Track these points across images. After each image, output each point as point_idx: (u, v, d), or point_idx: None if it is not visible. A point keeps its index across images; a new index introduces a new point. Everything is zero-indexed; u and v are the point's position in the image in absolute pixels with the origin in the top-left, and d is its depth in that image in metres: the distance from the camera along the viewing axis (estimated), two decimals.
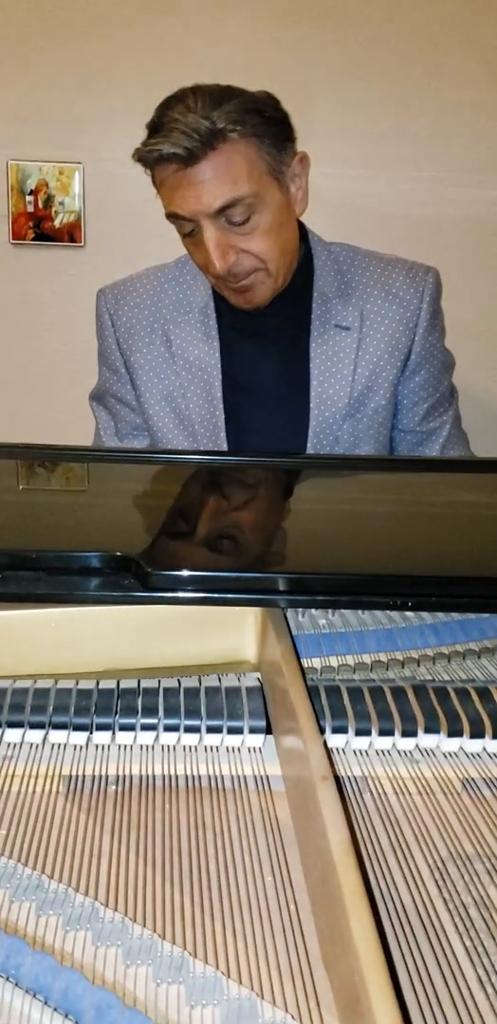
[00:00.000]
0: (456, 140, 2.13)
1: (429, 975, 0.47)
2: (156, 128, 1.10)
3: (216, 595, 0.64)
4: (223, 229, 1.13)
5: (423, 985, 0.46)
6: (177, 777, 0.62)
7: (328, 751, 0.62)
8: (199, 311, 1.29)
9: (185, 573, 0.65)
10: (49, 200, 1.99)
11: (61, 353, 2.13)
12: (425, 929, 0.50)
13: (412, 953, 0.49)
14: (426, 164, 2.13)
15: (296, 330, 1.28)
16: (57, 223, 2.01)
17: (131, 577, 0.63)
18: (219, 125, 1.07)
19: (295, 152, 1.18)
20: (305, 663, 0.74)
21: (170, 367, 1.30)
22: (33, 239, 1.99)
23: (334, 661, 0.75)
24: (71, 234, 2.03)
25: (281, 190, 1.17)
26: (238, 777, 0.62)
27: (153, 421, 1.32)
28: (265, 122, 1.12)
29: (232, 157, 1.09)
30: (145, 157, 1.13)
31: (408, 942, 0.50)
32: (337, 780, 0.61)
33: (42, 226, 1.98)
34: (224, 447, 1.29)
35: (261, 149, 1.12)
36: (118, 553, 0.64)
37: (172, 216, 1.15)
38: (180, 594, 0.64)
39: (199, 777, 0.62)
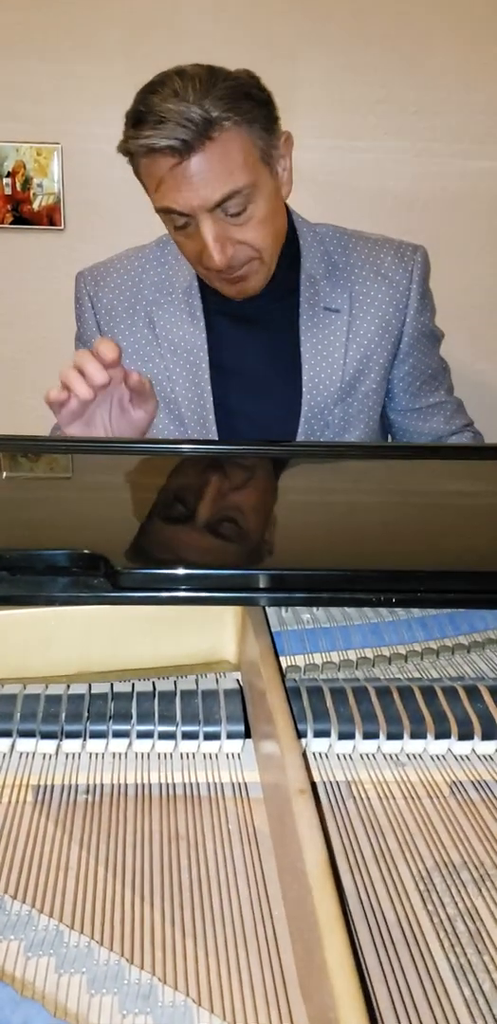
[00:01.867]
0: (442, 110, 2.08)
1: (412, 995, 0.45)
2: (142, 117, 1.05)
3: (189, 594, 0.61)
4: (220, 222, 1.09)
5: (405, 1007, 0.44)
6: (151, 785, 0.59)
7: (307, 760, 0.59)
8: (182, 292, 1.26)
9: (157, 571, 0.62)
10: (27, 182, 1.95)
11: (42, 339, 2.09)
12: (408, 945, 0.48)
13: (394, 972, 0.46)
14: (412, 135, 2.09)
15: (284, 313, 1.25)
16: (36, 206, 1.97)
17: (100, 576, 0.60)
18: (213, 114, 1.03)
19: (280, 133, 1.15)
20: (288, 661, 0.71)
21: (155, 350, 1.27)
22: (11, 223, 1.95)
23: (318, 658, 0.72)
24: (50, 217, 1.99)
25: (272, 175, 1.13)
26: (215, 784, 0.59)
27: None
28: (255, 106, 1.08)
29: (227, 147, 1.05)
30: (133, 149, 1.08)
31: (390, 960, 0.47)
32: (316, 791, 0.58)
33: (20, 209, 1.94)
34: (213, 431, 1.26)
35: (252, 135, 1.08)
36: (86, 551, 0.61)
37: (164, 211, 1.11)
38: (152, 594, 0.61)
39: (173, 785, 0.59)
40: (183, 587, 0.61)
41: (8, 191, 1.88)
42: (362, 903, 0.51)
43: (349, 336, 1.24)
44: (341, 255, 1.27)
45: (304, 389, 1.24)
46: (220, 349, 1.26)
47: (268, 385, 1.26)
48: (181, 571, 0.62)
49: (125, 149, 1.09)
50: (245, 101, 1.06)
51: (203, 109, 1.02)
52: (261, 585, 0.63)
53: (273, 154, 1.13)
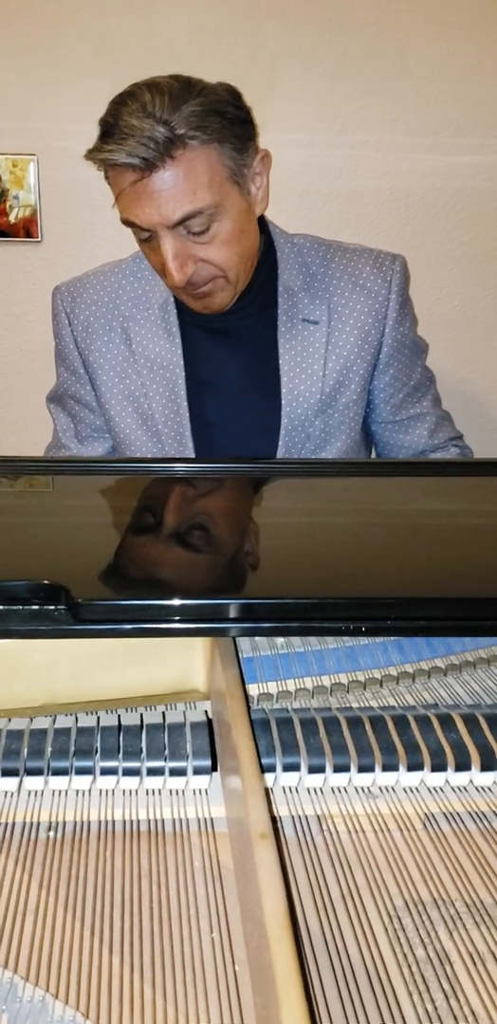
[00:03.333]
0: (425, 107, 2.06)
1: None
2: (109, 130, 1.04)
3: (153, 626, 0.60)
4: (181, 239, 1.08)
5: None
6: (114, 822, 0.58)
7: (272, 797, 0.58)
8: (159, 307, 1.25)
9: (121, 602, 0.61)
10: (3, 194, 1.92)
11: (19, 353, 2.07)
12: (374, 992, 0.47)
13: (358, 1020, 0.45)
14: (391, 135, 2.07)
15: (262, 325, 1.24)
16: (12, 218, 1.94)
17: (61, 607, 0.58)
18: (178, 131, 1.01)
19: (256, 150, 1.13)
20: (260, 688, 0.70)
21: (131, 366, 1.26)
22: None
23: (291, 684, 0.71)
24: (27, 229, 1.96)
25: (242, 194, 1.12)
26: (180, 820, 0.58)
27: (115, 423, 1.28)
28: (226, 124, 1.06)
29: (191, 166, 1.04)
30: (96, 161, 1.07)
31: (355, 1007, 0.46)
32: (284, 825, 0.57)
33: None
34: (190, 447, 1.25)
35: (222, 154, 1.07)
36: (46, 581, 0.59)
37: (127, 223, 1.11)
38: (115, 626, 0.59)
39: (138, 821, 0.58)
40: (147, 619, 0.60)
41: None
42: (327, 945, 0.49)
43: (328, 348, 1.23)
44: (319, 266, 1.26)
45: (283, 402, 1.23)
46: (197, 363, 1.24)
47: (247, 398, 1.25)
48: (145, 602, 0.61)
49: (94, 160, 1.08)
50: (216, 119, 1.04)
51: (168, 127, 1.01)
52: (229, 615, 0.61)
53: (245, 173, 1.11)
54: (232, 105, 1.08)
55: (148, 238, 1.10)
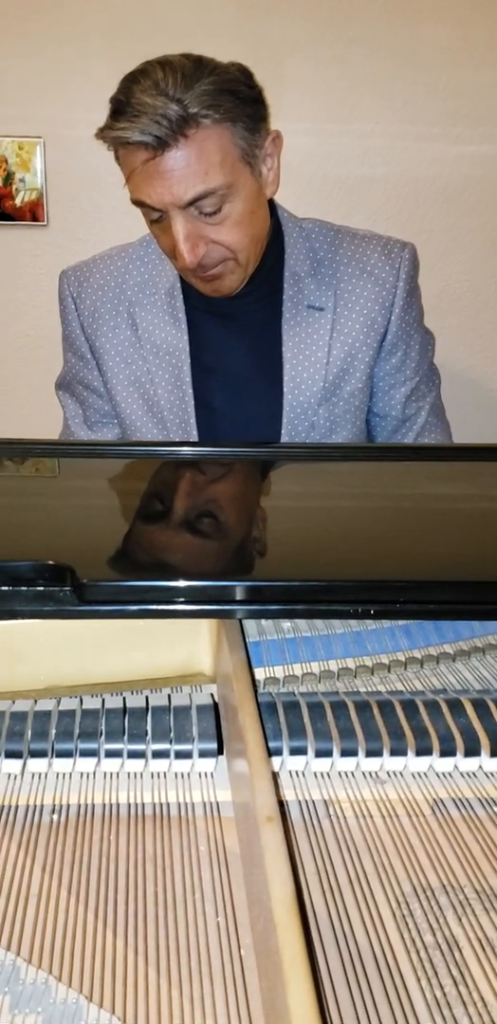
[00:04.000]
0: (433, 95, 2.04)
1: None
2: (121, 108, 1.02)
3: (159, 607, 0.59)
4: (193, 220, 1.07)
5: None
6: (119, 806, 0.57)
7: (279, 781, 0.57)
8: (165, 293, 1.24)
9: (126, 583, 0.60)
10: (9, 177, 1.91)
11: (25, 339, 2.06)
12: (382, 977, 0.46)
13: (366, 1006, 0.44)
14: (402, 122, 2.05)
15: (267, 311, 1.23)
16: (18, 201, 1.92)
17: (66, 589, 0.58)
18: (191, 110, 1.00)
19: (268, 131, 1.12)
20: (266, 672, 0.69)
21: (137, 351, 1.25)
22: None
23: (298, 669, 0.70)
24: (33, 213, 1.95)
25: (253, 175, 1.10)
26: (186, 804, 0.57)
27: (121, 408, 1.27)
28: (239, 104, 1.04)
29: (204, 145, 1.02)
30: (107, 139, 1.06)
31: (362, 993, 0.45)
32: (285, 811, 0.56)
33: (3, 205, 1.90)
34: (194, 434, 1.24)
35: (234, 134, 1.05)
36: (51, 562, 0.59)
37: (137, 203, 1.09)
38: (120, 607, 0.58)
39: (143, 805, 0.57)
40: (153, 600, 0.59)
41: None
42: (335, 930, 0.49)
43: (333, 335, 1.22)
44: (327, 252, 1.24)
45: (285, 389, 1.22)
46: (202, 349, 1.23)
47: (251, 385, 1.23)
48: (151, 583, 0.60)
49: (104, 139, 1.07)
50: (229, 98, 1.03)
51: (181, 105, 0.99)
52: (235, 597, 0.60)
53: (257, 154, 1.10)
54: (244, 84, 1.07)
55: (158, 219, 1.09)
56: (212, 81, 1.02)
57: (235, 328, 1.23)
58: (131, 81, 1.03)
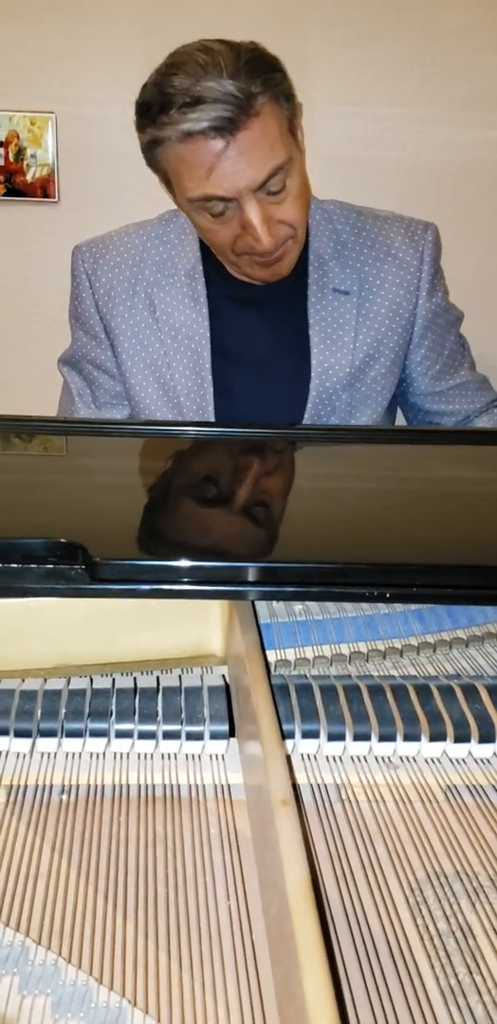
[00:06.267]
0: (448, 78, 2.02)
1: (397, 1019, 0.42)
2: (169, 101, 0.97)
3: (172, 587, 0.58)
4: (263, 202, 1.04)
5: None
6: (129, 787, 0.56)
7: (291, 764, 0.56)
8: (185, 274, 1.21)
9: (138, 562, 0.59)
10: (20, 153, 1.89)
11: (33, 315, 2.04)
12: (395, 964, 0.45)
13: (379, 993, 0.43)
14: (415, 105, 2.03)
15: (292, 295, 1.20)
16: (29, 177, 1.90)
17: (78, 567, 0.57)
18: (252, 88, 0.97)
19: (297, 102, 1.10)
20: (278, 655, 0.68)
21: (155, 334, 1.22)
22: (4, 194, 1.89)
23: (309, 652, 0.69)
24: (44, 188, 1.93)
25: (299, 146, 1.09)
26: (196, 786, 0.57)
27: (135, 391, 1.25)
28: (283, 77, 1.03)
29: (267, 121, 1.00)
30: (169, 136, 1.00)
31: (376, 980, 0.44)
32: (298, 798, 0.56)
33: (14, 180, 1.88)
34: (211, 419, 1.22)
35: (281, 106, 1.03)
36: (63, 540, 0.58)
37: (203, 199, 1.04)
38: (132, 586, 0.58)
39: (153, 786, 0.57)
40: (165, 580, 0.58)
41: (1, 162, 1.82)
42: (348, 916, 0.48)
43: (359, 319, 1.20)
44: (350, 234, 1.22)
45: (313, 374, 1.19)
46: (223, 334, 1.21)
47: (273, 370, 1.21)
48: (163, 562, 0.59)
49: (154, 139, 1.02)
50: (273, 72, 1.01)
51: (240, 83, 0.97)
52: (248, 578, 0.60)
53: (296, 124, 1.08)
54: (274, 57, 1.05)
55: (222, 211, 1.05)
56: (254, 59, 1.00)
57: (258, 312, 1.21)
58: (169, 74, 0.99)
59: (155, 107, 1.00)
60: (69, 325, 1.31)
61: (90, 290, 1.24)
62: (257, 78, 0.98)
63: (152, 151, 1.06)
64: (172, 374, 1.21)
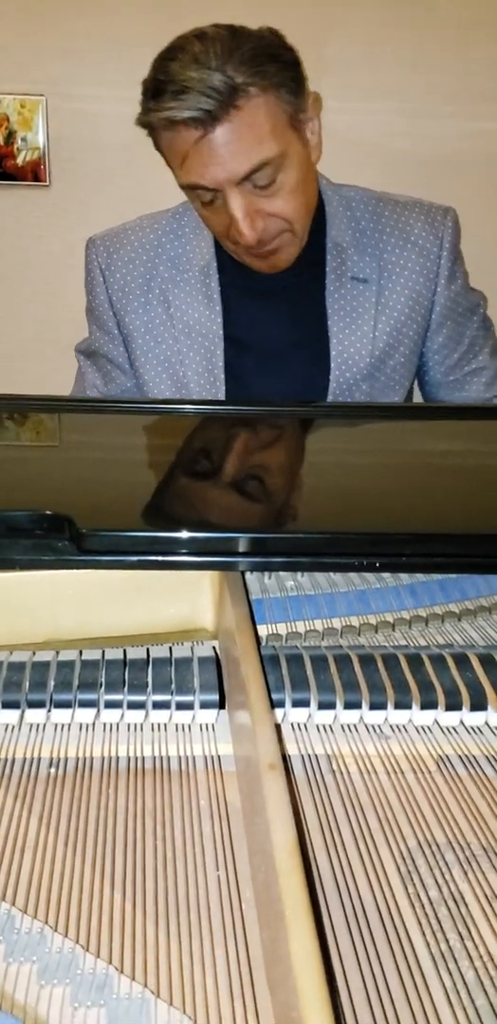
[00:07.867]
0: (440, 68, 2.01)
1: (387, 984, 0.42)
2: (161, 87, 0.97)
3: (159, 558, 0.57)
4: (248, 195, 1.03)
5: (380, 997, 0.41)
6: (118, 759, 0.56)
7: (281, 734, 0.56)
8: (200, 270, 1.19)
9: (126, 533, 0.58)
10: (10, 136, 1.87)
11: (24, 300, 2.03)
12: (386, 931, 0.45)
13: (369, 959, 0.43)
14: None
15: (309, 285, 1.18)
16: (19, 161, 1.88)
17: (65, 538, 0.56)
18: (238, 80, 0.95)
19: (308, 93, 1.07)
20: (269, 629, 0.68)
21: (168, 331, 1.20)
22: None
23: (301, 627, 0.69)
24: (34, 172, 1.91)
25: (302, 140, 1.06)
26: (186, 758, 0.56)
27: (148, 388, 1.23)
28: (282, 68, 1.00)
29: (254, 115, 0.98)
30: (153, 122, 1.00)
31: (366, 946, 0.44)
32: (293, 764, 0.55)
33: (4, 164, 1.86)
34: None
35: (280, 100, 1.01)
36: (49, 511, 0.57)
37: (190, 187, 1.04)
38: (120, 557, 0.57)
39: (143, 759, 0.56)
40: (153, 551, 0.58)
41: None
42: (338, 885, 0.48)
43: (378, 308, 1.17)
44: (369, 220, 1.20)
45: (333, 365, 1.18)
46: (238, 329, 1.19)
47: (291, 362, 1.19)
48: (151, 533, 0.58)
49: (145, 122, 1.02)
50: (271, 63, 0.99)
51: (226, 75, 0.95)
52: (237, 549, 0.59)
53: (302, 118, 1.05)
54: (282, 47, 1.03)
55: (211, 200, 1.05)
56: (252, 48, 0.98)
57: (274, 304, 1.19)
58: (167, 59, 0.99)
59: (149, 92, 1.00)
60: (88, 322, 1.29)
61: (104, 285, 1.22)
62: (248, 70, 0.96)
63: (152, 135, 1.05)
64: (185, 371, 1.20)
